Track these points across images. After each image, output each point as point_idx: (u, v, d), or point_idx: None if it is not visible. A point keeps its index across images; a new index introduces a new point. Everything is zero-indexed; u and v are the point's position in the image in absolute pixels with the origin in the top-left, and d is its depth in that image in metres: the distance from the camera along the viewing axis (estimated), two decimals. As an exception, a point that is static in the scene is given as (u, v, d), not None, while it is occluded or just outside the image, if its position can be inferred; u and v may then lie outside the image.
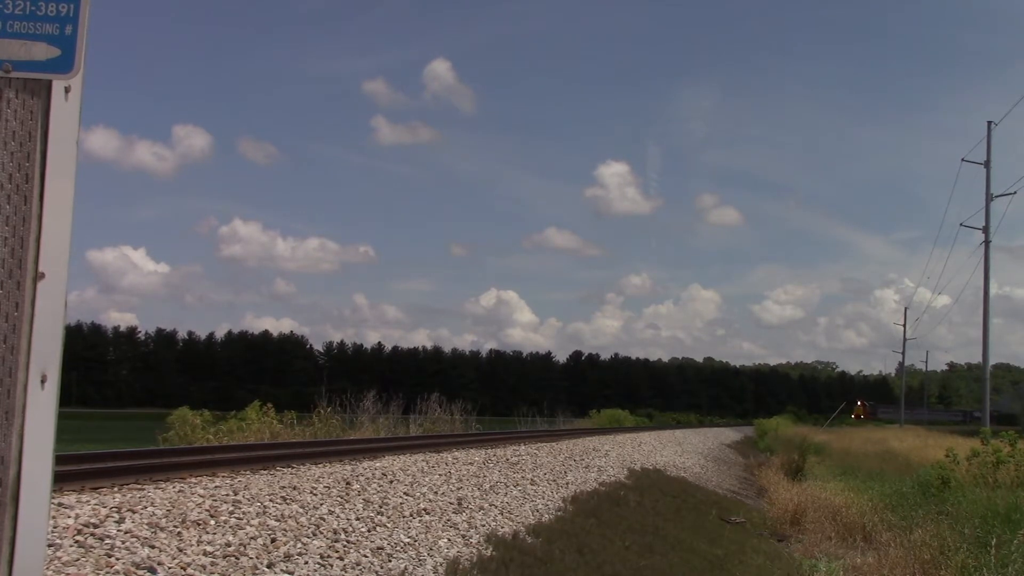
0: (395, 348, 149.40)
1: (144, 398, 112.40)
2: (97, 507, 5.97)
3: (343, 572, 6.10)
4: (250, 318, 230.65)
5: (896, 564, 11.11)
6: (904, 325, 77.78)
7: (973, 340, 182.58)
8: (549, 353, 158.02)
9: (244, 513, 6.63)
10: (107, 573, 4.80)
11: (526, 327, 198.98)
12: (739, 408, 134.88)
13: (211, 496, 6.96)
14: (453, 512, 9.05)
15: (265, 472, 9.09)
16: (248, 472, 8.93)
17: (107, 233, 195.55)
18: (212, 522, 6.19)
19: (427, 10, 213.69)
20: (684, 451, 30.31)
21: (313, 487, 8.24)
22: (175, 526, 5.89)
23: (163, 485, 7.40)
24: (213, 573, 5.25)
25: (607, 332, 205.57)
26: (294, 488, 7.98)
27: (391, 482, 9.59)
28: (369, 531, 7.30)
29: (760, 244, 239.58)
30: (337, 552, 6.44)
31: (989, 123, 35.56)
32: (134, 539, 5.42)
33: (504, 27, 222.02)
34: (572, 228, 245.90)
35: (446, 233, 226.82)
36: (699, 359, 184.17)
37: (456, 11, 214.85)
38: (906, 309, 79.91)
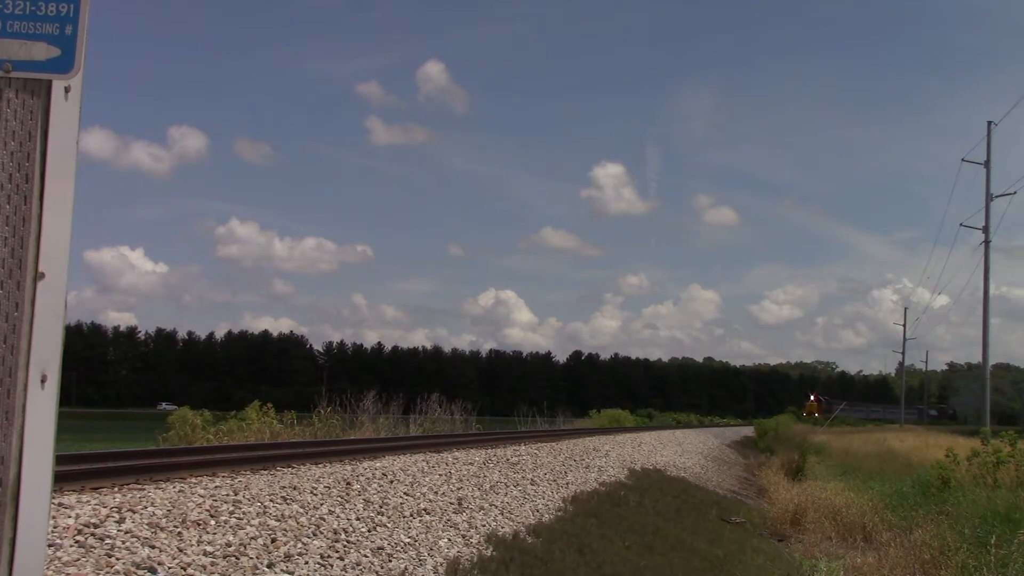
0: (395, 348, 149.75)
1: (144, 398, 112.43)
2: (97, 507, 5.97)
3: (343, 572, 6.10)
4: (248, 318, 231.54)
5: (896, 564, 11.10)
6: (904, 325, 77.90)
7: (972, 340, 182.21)
8: (549, 353, 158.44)
9: (244, 513, 6.63)
10: (107, 573, 4.79)
11: (525, 327, 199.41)
12: (739, 408, 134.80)
13: (211, 496, 6.96)
14: (453, 512, 9.05)
15: (265, 472, 9.09)
16: (248, 472, 8.93)
17: (104, 233, 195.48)
18: (212, 522, 6.19)
19: (420, 12, 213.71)
20: (684, 451, 30.30)
21: (313, 487, 8.23)
22: (175, 526, 5.89)
23: (163, 485, 7.40)
24: (213, 573, 5.25)
25: (606, 332, 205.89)
26: (294, 488, 7.98)
27: (391, 482, 9.59)
28: (369, 531, 7.30)
29: (759, 244, 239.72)
30: (337, 552, 6.44)
31: (989, 123, 35.71)
32: (134, 539, 5.41)
33: (497, 28, 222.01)
34: (569, 228, 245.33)
35: (444, 233, 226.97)
36: (699, 359, 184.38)
37: (449, 13, 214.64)
38: (906, 309, 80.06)
